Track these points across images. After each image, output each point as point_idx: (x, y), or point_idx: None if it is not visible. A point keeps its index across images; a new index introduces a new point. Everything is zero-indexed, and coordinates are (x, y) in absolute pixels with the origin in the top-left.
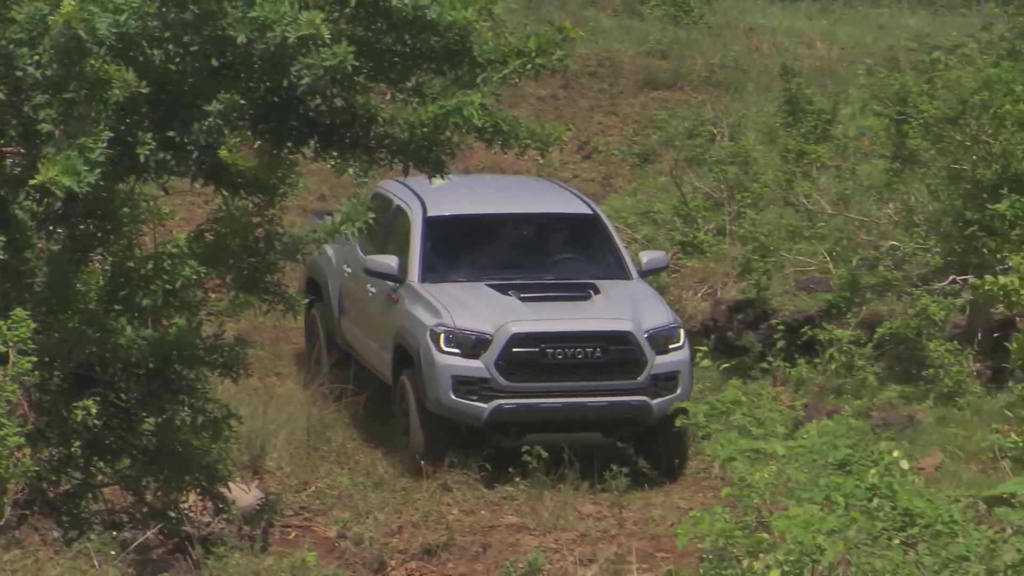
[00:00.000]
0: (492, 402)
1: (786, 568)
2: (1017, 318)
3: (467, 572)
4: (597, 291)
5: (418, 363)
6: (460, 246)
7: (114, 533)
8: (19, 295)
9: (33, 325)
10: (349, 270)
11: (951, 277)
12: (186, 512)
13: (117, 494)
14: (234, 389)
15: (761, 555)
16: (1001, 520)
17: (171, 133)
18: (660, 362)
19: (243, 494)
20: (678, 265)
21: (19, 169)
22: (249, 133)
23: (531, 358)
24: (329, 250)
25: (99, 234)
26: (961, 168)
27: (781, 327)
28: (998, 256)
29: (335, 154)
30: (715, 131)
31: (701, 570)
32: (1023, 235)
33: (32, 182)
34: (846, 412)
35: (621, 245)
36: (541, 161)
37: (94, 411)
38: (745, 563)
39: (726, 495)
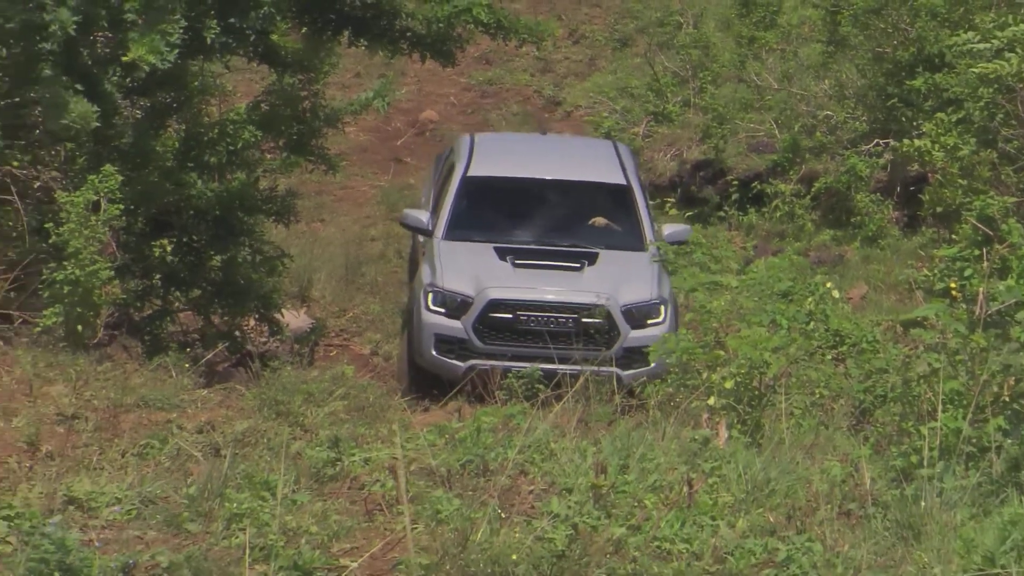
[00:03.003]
0: (468, 361)
1: (738, 379)
2: (929, 174)
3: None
4: (593, 262)
5: (411, 319)
6: (489, 206)
7: (187, 350)
8: (108, 154)
9: (120, 178)
10: None
11: (875, 140)
12: (247, 333)
13: (190, 318)
14: (285, 233)
15: (718, 368)
16: (915, 339)
17: (232, 20)
18: (635, 336)
19: (293, 319)
20: (651, 131)
21: (108, 50)
22: (296, 22)
23: (506, 323)
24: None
25: (174, 104)
26: (884, 51)
27: (735, 182)
28: (914, 123)
29: (365, 42)
30: (681, 20)
31: (668, 380)
32: (935, 106)
33: (124, 59)
34: (788, 252)
35: (647, 216)
36: (537, 52)
37: (169, 249)
38: (705, 375)
39: (689, 319)
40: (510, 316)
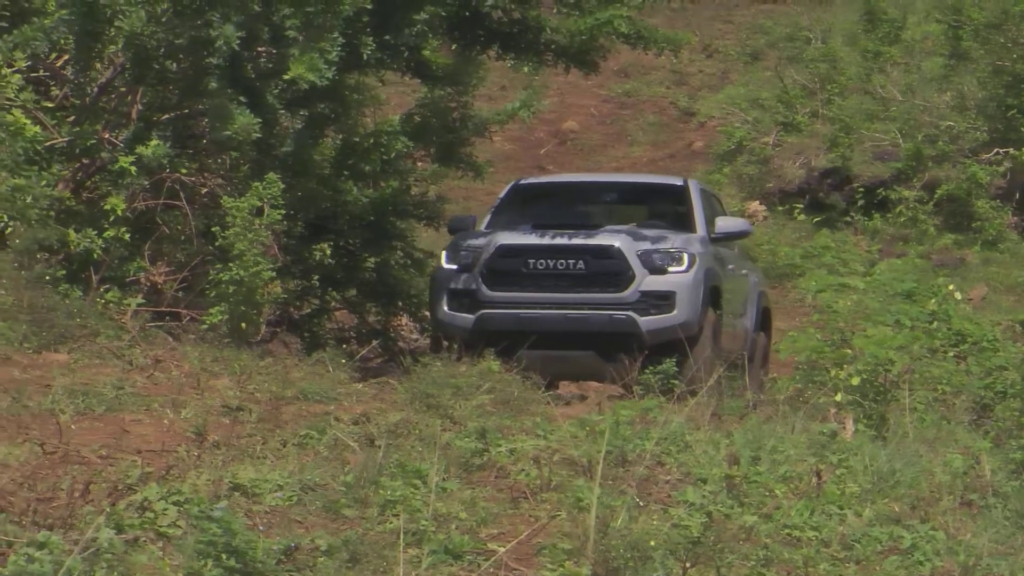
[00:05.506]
0: (477, 312)
1: (864, 376)
2: None
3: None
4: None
5: (431, 286)
6: (535, 206)
7: (343, 346)
8: (270, 162)
9: (281, 186)
10: None
11: (995, 150)
12: (399, 331)
13: (346, 317)
14: (435, 236)
15: (844, 366)
16: None
17: (387, 37)
18: (652, 280)
19: None
20: (780, 140)
21: (270, 65)
22: (446, 38)
23: (514, 268)
24: None
25: (331, 116)
26: (1003, 64)
27: (860, 189)
28: None
29: (512, 56)
30: (810, 36)
31: (797, 377)
32: None
33: (286, 77)
34: (911, 255)
35: (701, 214)
36: (675, 61)
37: (327, 251)
38: (832, 372)
39: (816, 319)
40: (518, 260)
